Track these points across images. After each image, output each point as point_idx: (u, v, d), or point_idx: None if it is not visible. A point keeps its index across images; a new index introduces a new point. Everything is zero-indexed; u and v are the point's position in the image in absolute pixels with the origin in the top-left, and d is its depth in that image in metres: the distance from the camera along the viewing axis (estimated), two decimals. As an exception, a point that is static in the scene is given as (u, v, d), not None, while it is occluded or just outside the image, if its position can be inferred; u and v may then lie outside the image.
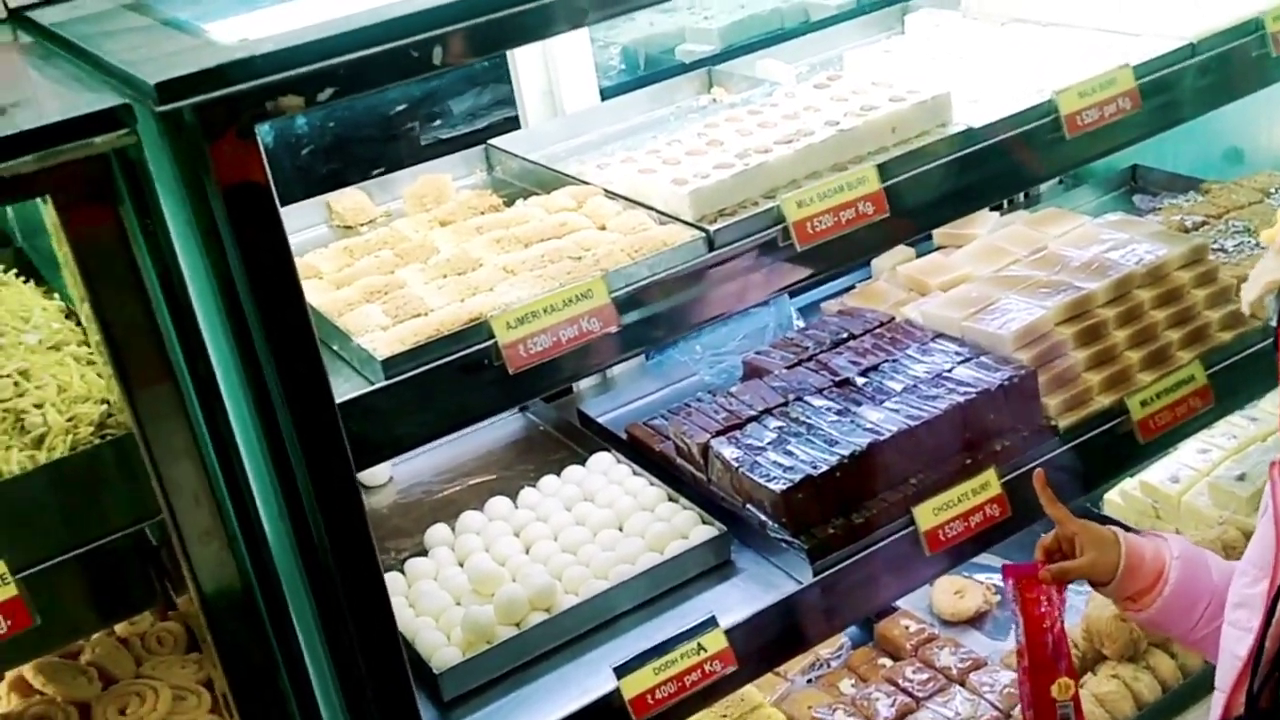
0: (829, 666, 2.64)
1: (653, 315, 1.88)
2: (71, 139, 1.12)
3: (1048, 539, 1.90)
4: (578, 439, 2.56)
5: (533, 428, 2.68)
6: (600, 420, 2.59)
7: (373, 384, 1.70)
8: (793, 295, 2.94)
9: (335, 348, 1.85)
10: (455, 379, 1.75)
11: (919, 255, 2.77)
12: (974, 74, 2.34)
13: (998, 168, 2.10)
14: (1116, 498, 2.85)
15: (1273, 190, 2.77)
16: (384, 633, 1.59)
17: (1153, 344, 2.30)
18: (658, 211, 2.02)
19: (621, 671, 1.86)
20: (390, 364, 1.71)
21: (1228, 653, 1.60)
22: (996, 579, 2.81)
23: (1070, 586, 1.96)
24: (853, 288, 2.78)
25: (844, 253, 2.00)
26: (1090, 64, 2.20)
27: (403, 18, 1.33)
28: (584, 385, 2.87)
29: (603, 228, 2.04)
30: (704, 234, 1.90)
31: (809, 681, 2.61)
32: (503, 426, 2.69)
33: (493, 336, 1.74)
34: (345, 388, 1.70)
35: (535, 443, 2.62)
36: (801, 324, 2.69)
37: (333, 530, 1.53)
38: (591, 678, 1.91)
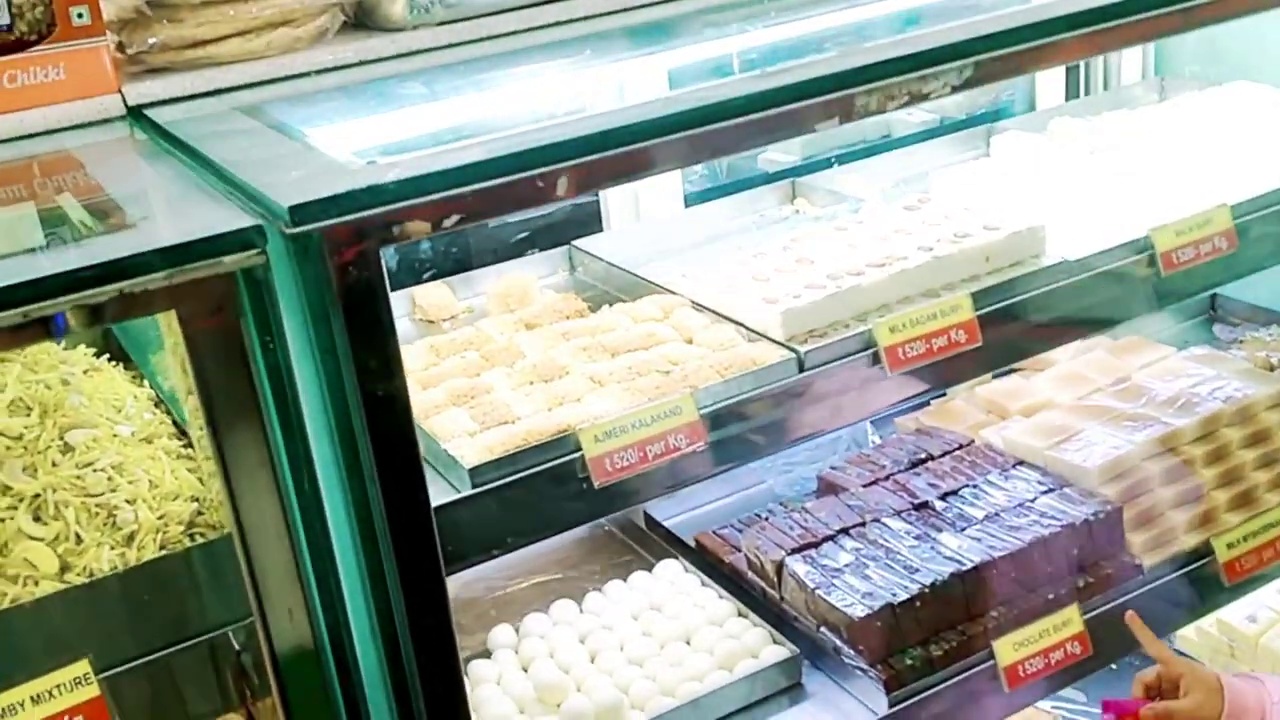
0: (890, 793, 2.57)
1: (740, 434, 1.87)
2: (202, 258, 1.14)
3: (1149, 676, 1.85)
4: (644, 542, 2.54)
5: (597, 528, 2.66)
6: (667, 524, 2.57)
7: (459, 491, 1.70)
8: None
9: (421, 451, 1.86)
10: (541, 489, 1.75)
11: (994, 376, 2.74)
12: (1063, 203, 2.33)
13: (1091, 301, 2.08)
14: (1190, 633, 2.79)
15: (1358, 328, 2.74)
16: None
17: (1240, 484, 2.26)
18: (746, 328, 2.02)
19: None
20: (477, 472, 1.71)
21: None
22: (1062, 708, 2.75)
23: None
24: (928, 403, 2.75)
25: (934, 379, 1.99)
26: (1181, 199, 2.20)
27: (532, 150, 1.34)
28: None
29: (689, 341, 2.04)
30: (795, 354, 1.90)
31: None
32: (568, 526, 2.67)
33: (580, 449, 1.73)
34: (431, 493, 1.70)
35: (600, 543, 2.60)
36: (876, 439, 2.67)
37: (419, 640, 1.51)
38: (660, 801, 1.88)
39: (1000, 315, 2.00)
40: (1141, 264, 2.10)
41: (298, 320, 1.27)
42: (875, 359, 1.93)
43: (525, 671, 2.16)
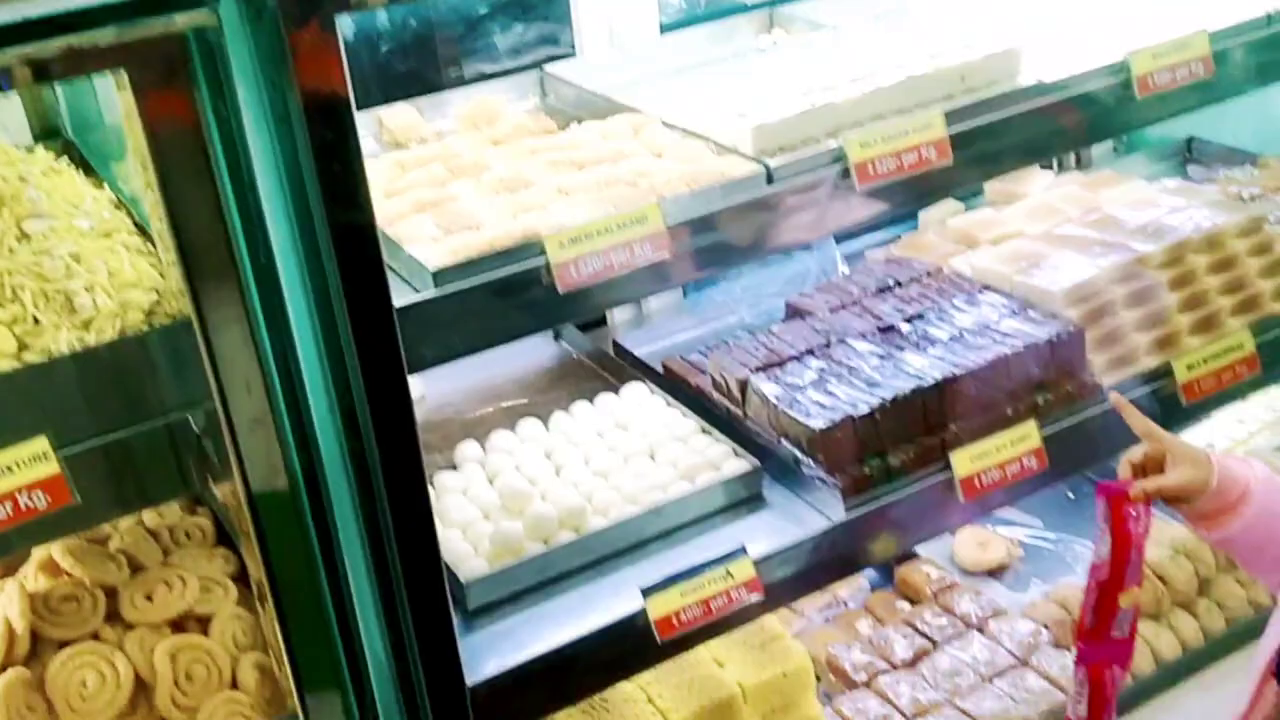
0: (846, 607, 2.65)
1: (706, 246, 1.87)
2: (153, 13, 1.12)
3: (1135, 455, 1.85)
4: (612, 370, 2.57)
5: (567, 356, 2.68)
6: (635, 353, 2.59)
7: (420, 294, 1.71)
8: (838, 242, 2.93)
9: (385, 257, 1.86)
10: (505, 294, 1.76)
11: (968, 210, 2.75)
12: (1042, 28, 2.30)
13: (1065, 123, 2.07)
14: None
15: (1332, 166, 2.74)
16: (422, 529, 1.60)
17: (1203, 309, 2.29)
18: (717, 143, 2.01)
19: (648, 592, 1.87)
20: (441, 275, 1.71)
21: None
22: (1020, 534, 2.82)
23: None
24: (899, 239, 2.76)
25: (903, 196, 1.99)
26: (1160, 25, 2.17)
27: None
28: (620, 318, 2.87)
29: (659, 156, 2.03)
30: (763, 167, 1.89)
31: (826, 620, 2.63)
32: (537, 353, 2.69)
33: (544, 255, 1.74)
34: (396, 296, 1.71)
35: (569, 371, 2.62)
36: (846, 270, 2.68)
37: (381, 428, 1.54)
38: (617, 598, 1.93)
39: (973, 135, 1.99)
40: (1117, 87, 2.09)
41: (253, 94, 1.26)
42: (845, 174, 1.92)
43: (491, 484, 2.20)
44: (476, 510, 2.12)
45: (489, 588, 1.96)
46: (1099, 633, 1.92)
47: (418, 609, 1.60)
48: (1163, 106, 2.14)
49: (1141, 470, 1.82)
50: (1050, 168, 3.18)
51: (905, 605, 2.61)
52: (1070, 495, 2.90)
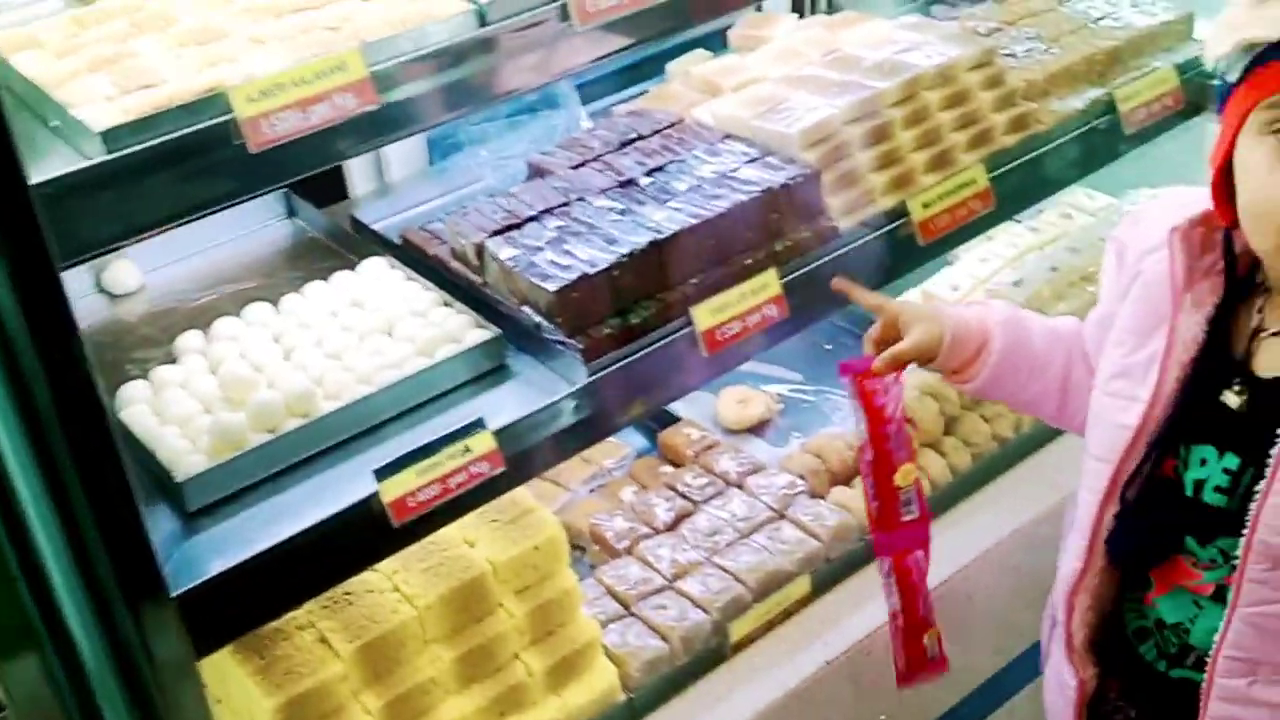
0: (611, 476, 2.61)
1: (417, 94, 1.74)
2: None
3: (874, 331, 1.83)
4: (351, 246, 2.40)
5: (301, 234, 2.51)
6: (375, 226, 2.44)
7: (90, 160, 1.53)
8: (585, 101, 2.82)
9: (53, 123, 1.65)
10: (187, 158, 1.59)
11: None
12: None
13: (787, -48, 2.00)
14: (900, 309, 2.87)
15: (1065, -1, 2.76)
16: (94, 425, 1.42)
17: (937, 146, 2.27)
18: (422, -18, 1.85)
19: (382, 474, 1.76)
20: (111, 137, 1.53)
21: (1109, 423, 1.57)
22: (780, 388, 2.82)
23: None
24: (646, 91, 2.66)
25: (628, 32, 1.89)
26: None
27: None
28: (360, 191, 2.71)
29: (368, 1, 1.86)
30: (475, 7, 1.76)
31: (591, 491, 2.58)
32: (268, 234, 2.51)
33: (232, 110, 1.57)
34: (58, 165, 1.52)
35: (304, 250, 2.45)
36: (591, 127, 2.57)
37: (33, 322, 1.35)
38: (351, 483, 1.80)
39: (693, -34, 1.90)
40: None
41: None
42: (564, 14, 1.81)
43: (215, 374, 2.03)
44: (196, 404, 1.95)
45: (209, 485, 1.80)
46: (888, 520, 1.89)
47: (99, 508, 1.44)
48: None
49: (884, 344, 1.81)
50: (810, 11, 3.15)
51: (669, 469, 2.58)
52: (828, 347, 2.91)
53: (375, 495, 1.77)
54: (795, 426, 2.74)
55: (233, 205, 1.68)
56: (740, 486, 2.47)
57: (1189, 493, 1.49)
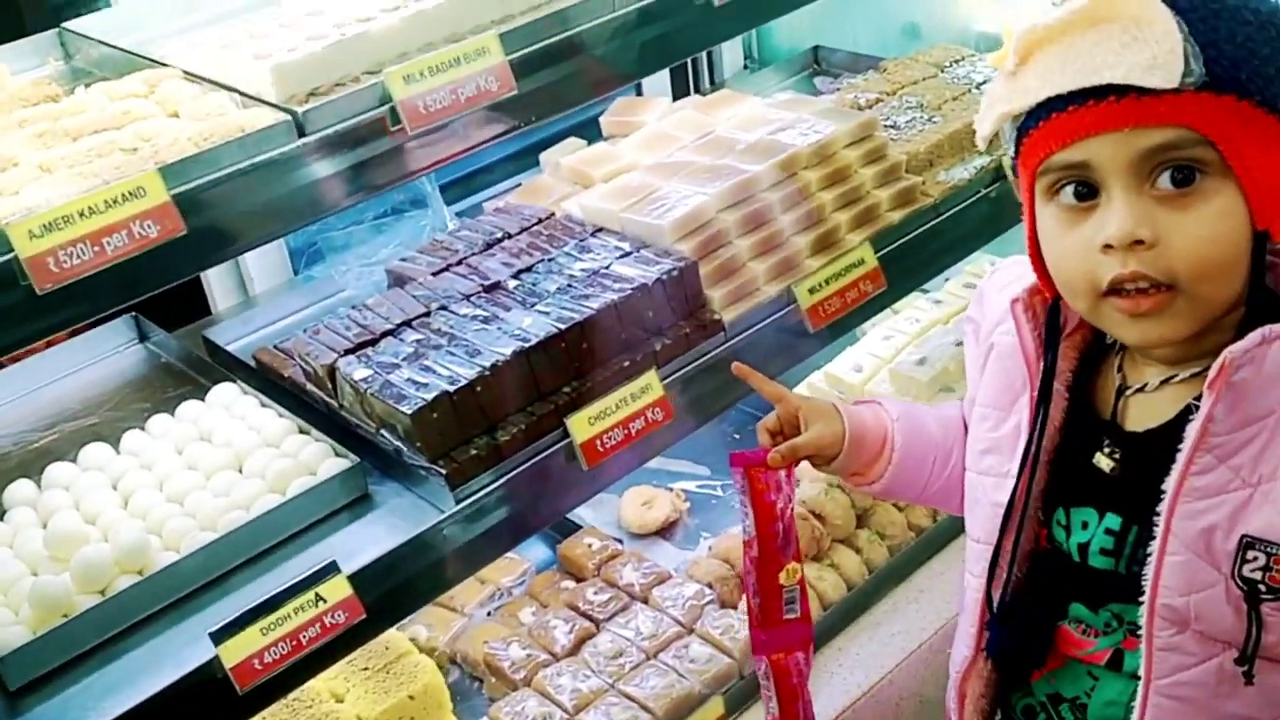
0: (510, 596, 2.43)
1: (230, 216, 1.58)
2: None
3: (769, 420, 1.70)
4: (204, 371, 2.23)
5: (153, 361, 2.33)
6: (231, 347, 2.27)
7: None
8: (453, 199, 2.69)
9: None
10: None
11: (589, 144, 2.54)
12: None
13: (639, 38, 1.88)
14: (804, 391, 2.74)
15: (947, 64, 2.68)
16: None
17: (820, 227, 2.15)
18: (240, 93, 1.70)
19: (219, 636, 1.58)
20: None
21: (984, 503, 1.50)
22: (686, 485, 2.67)
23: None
24: (519, 185, 2.53)
25: (468, 137, 1.75)
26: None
27: None
28: (220, 305, 2.54)
29: (175, 115, 1.71)
30: (290, 116, 1.61)
31: (488, 614, 2.39)
32: (118, 361, 2.33)
33: (12, 250, 1.41)
34: None
35: (154, 378, 2.27)
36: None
37: None
38: (191, 647, 1.62)
39: (537, 58, 1.77)
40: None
41: None
42: (393, 117, 1.67)
43: (46, 528, 1.84)
44: (23, 566, 1.76)
45: (31, 660, 1.61)
46: (769, 618, 1.74)
47: None
48: (739, 17, 1.98)
49: (780, 436, 1.68)
50: (691, 92, 3.06)
51: (570, 584, 2.41)
52: (736, 436, 2.77)
53: (216, 659, 1.58)
54: (704, 526, 2.59)
55: (27, 349, 1.52)
56: (645, 600, 2.31)
57: (1076, 558, 1.42)
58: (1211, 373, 1.27)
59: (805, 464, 1.70)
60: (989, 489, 1.49)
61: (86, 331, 2.32)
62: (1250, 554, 1.28)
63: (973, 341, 1.58)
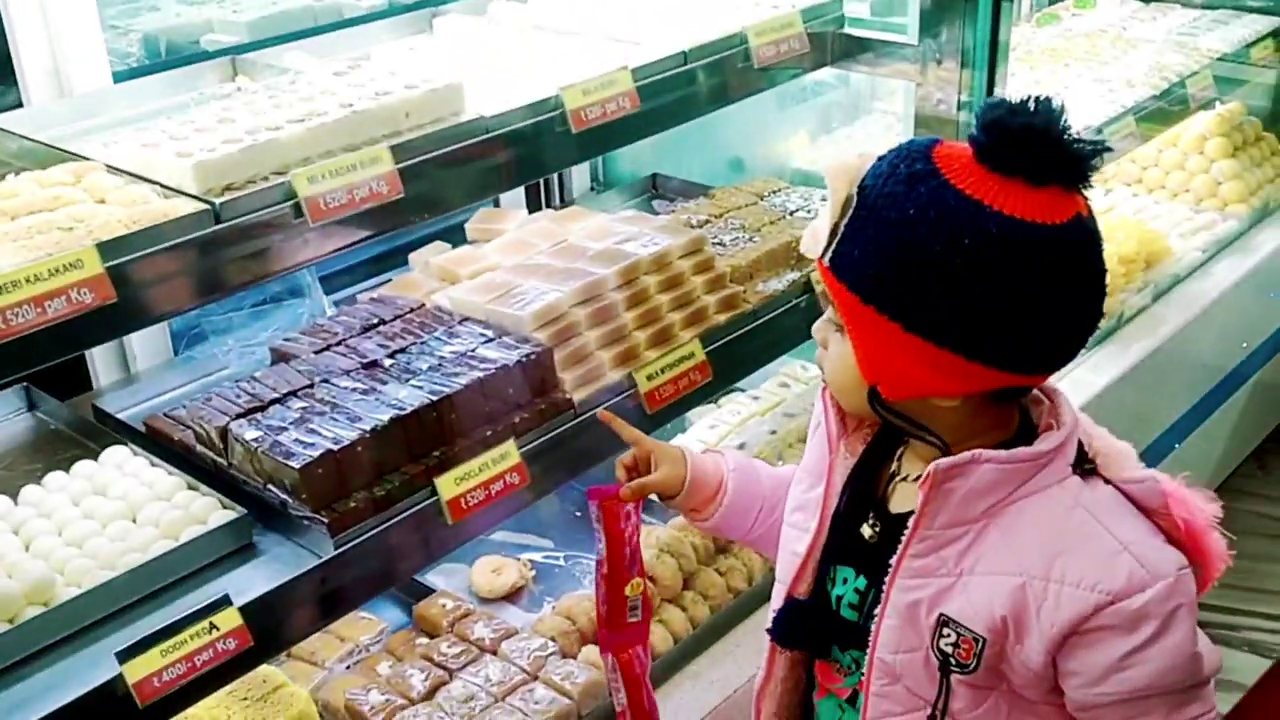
0: (368, 652, 2.64)
1: (154, 289, 1.83)
2: None
3: (626, 458, 1.97)
4: (93, 436, 2.41)
5: (43, 428, 2.50)
6: (119, 416, 2.47)
7: None
8: (329, 290, 2.95)
9: None
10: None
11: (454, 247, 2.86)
12: (492, 71, 2.46)
13: (507, 156, 2.21)
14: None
15: (767, 193, 3.10)
16: None
17: (658, 324, 2.51)
18: (162, 186, 1.97)
19: (124, 655, 1.78)
20: None
21: (787, 550, 1.75)
22: (533, 556, 2.94)
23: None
24: (389, 280, 2.82)
25: (361, 228, 2.05)
26: (598, 67, 2.38)
27: None
28: (104, 381, 2.72)
29: (102, 201, 1.96)
30: (210, 206, 1.88)
31: (347, 668, 2.60)
32: (8, 427, 2.48)
33: (-37, 309, 1.63)
34: None
35: (45, 443, 2.44)
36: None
37: None
38: (95, 669, 1.81)
39: (420, 168, 2.08)
40: (554, 121, 2.26)
41: None
42: (298, 210, 1.95)
43: (-52, 570, 2.01)
44: (-72, 606, 1.92)
45: (-58, 681, 1.79)
46: (615, 622, 2.03)
47: None
48: (600, 139, 2.34)
49: (634, 471, 1.96)
50: (543, 207, 3.40)
51: (425, 640, 2.64)
52: (577, 514, 3.06)
53: (119, 677, 1.78)
54: (548, 591, 2.85)
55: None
56: (494, 652, 2.56)
57: (834, 607, 1.69)
58: (924, 476, 1.50)
59: None
60: (792, 540, 1.76)
61: (-27, 398, 2.49)
62: (945, 630, 1.52)
63: (819, 410, 1.82)
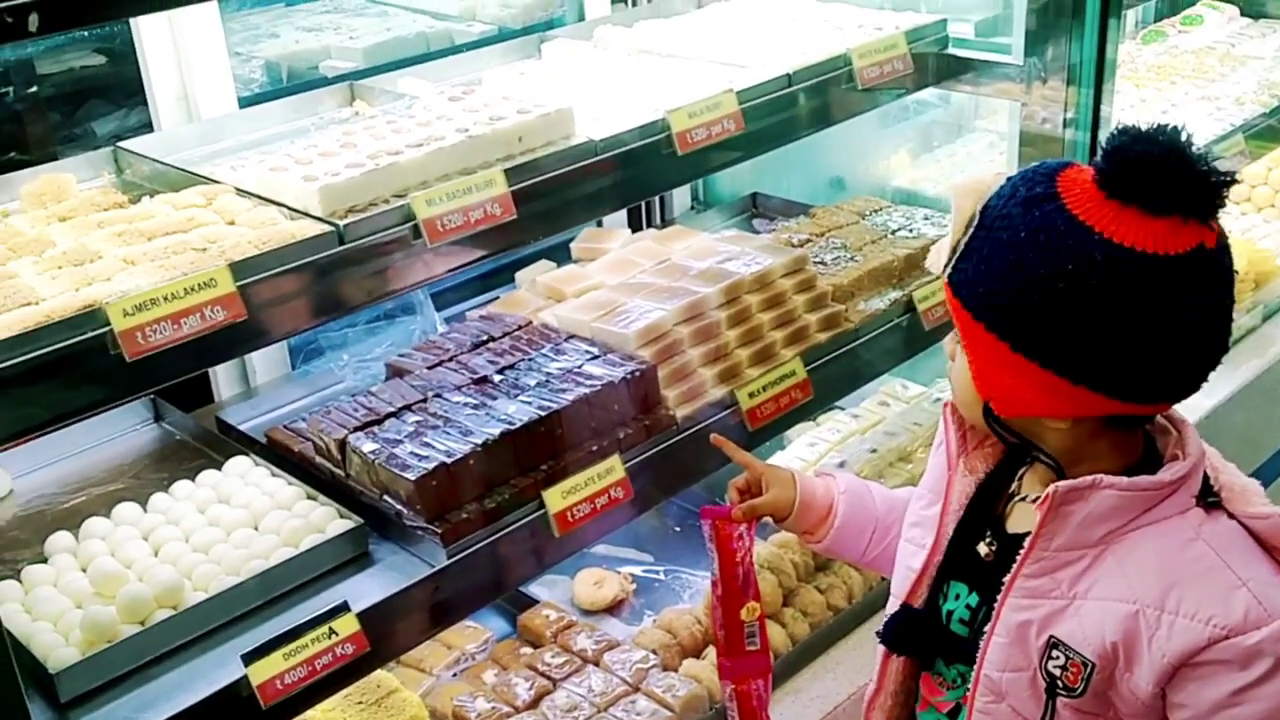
0: (474, 660, 2.71)
1: (282, 307, 1.91)
2: None
3: (739, 480, 2.03)
4: (217, 447, 2.52)
5: (169, 438, 2.62)
6: (241, 427, 2.57)
7: (-27, 374, 1.65)
8: (439, 307, 3.03)
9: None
10: (69, 367, 1.72)
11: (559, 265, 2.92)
12: (600, 95, 2.52)
13: (616, 178, 2.27)
14: (739, 489, 3.09)
15: (868, 212, 3.11)
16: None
17: (759, 343, 2.54)
18: (288, 208, 2.06)
19: (249, 658, 1.86)
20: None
21: (903, 565, 1.79)
22: (633, 570, 2.99)
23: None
24: (496, 298, 2.89)
25: (475, 249, 2.11)
26: (703, 90, 2.42)
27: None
28: (225, 394, 2.83)
29: (232, 223, 2.05)
30: (334, 228, 1.96)
31: (454, 675, 2.67)
32: (136, 438, 2.61)
33: (109, 324, 1.73)
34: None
35: (171, 452, 2.56)
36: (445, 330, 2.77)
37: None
38: (220, 670, 1.90)
39: (533, 189, 2.14)
40: (660, 143, 2.31)
41: None
42: (416, 232, 2.02)
43: (85, 572, 2.11)
44: (68, 600, 2.03)
45: (81, 676, 1.88)
46: (733, 649, 2.07)
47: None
48: (705, 160, 2.38)
49: (746, 493, 2.01)
50: (645, 226, 3.45)
51: (529, 650, 2.70)
52: (676, 529, 3.10)
53: (244, 679, 1.86)
54: (648, 605, 2.90)
55: (105, 410, 1.82)
56: (597, 663, 2.60)
57: (944, 621, 1.71)
58: (1042, 497, 1.51)
59: None
60: (909, 556, 1.79)
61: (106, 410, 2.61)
62: (1055, 652, 1.53)
63: (941, 429, 1.84)
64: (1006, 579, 1.57)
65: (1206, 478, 1.55)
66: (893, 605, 1.81)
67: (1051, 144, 2.80)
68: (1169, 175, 1.37)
